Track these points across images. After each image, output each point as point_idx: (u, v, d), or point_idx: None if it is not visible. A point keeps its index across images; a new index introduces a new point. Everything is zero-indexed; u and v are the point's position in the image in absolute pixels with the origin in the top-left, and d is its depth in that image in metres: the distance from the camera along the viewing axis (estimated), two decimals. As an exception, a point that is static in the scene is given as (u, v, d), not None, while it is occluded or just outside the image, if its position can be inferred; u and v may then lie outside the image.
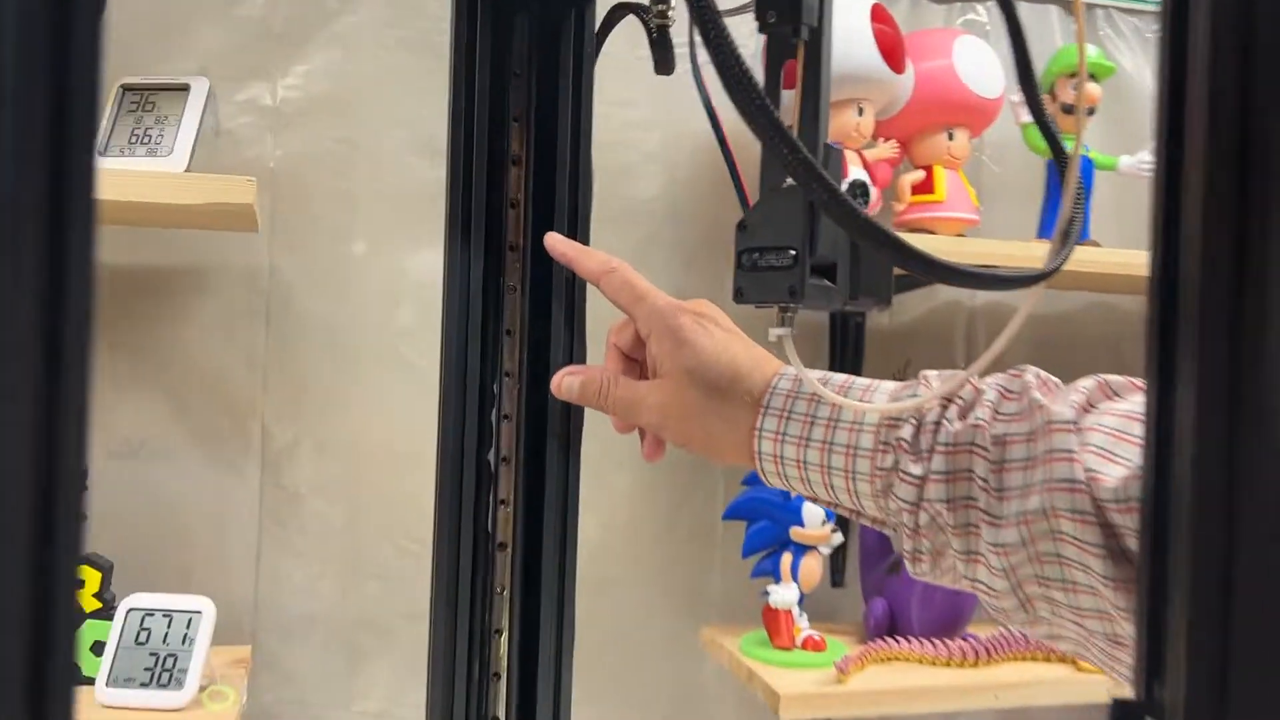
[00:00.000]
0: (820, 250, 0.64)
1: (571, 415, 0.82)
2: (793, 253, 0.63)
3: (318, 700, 1.18)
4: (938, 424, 0.55)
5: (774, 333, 0.66)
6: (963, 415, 0.54)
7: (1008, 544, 0.49)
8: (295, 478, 1.17)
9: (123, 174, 0.85)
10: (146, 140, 0.89)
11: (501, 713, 0.83)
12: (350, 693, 1.18)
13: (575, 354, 0.83)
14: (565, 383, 0.68)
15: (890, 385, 0.60)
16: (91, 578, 0.95)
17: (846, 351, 1.31)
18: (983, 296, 1.40)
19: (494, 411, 0.83)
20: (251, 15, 1.14)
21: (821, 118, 0.67)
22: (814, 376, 0.59)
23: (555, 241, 0.70)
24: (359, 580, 1.18)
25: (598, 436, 1.30)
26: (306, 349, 1.17)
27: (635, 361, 0.68)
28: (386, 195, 1.18)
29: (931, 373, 0.58)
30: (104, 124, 0.91)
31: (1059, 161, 0.59)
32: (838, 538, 1.18)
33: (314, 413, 1.17)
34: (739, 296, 0.66)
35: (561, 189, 0.81)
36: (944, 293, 1.37)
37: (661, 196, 1.27)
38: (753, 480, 1.20)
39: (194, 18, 1.12)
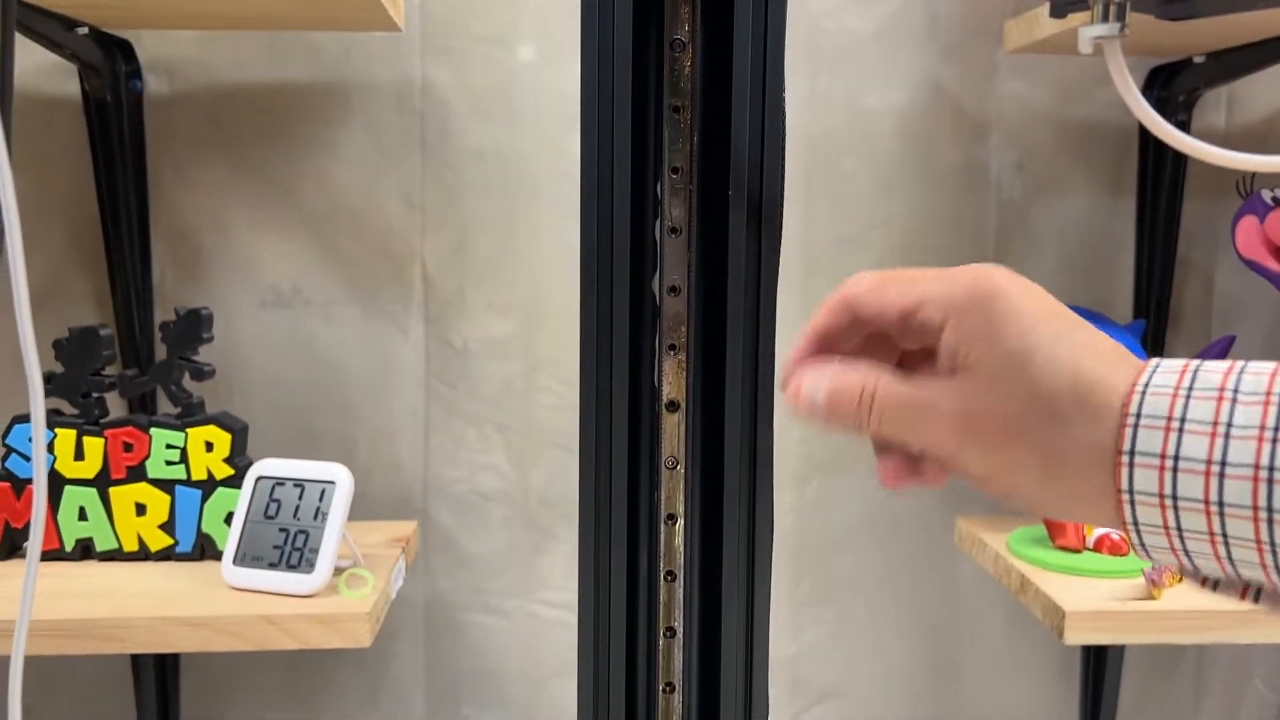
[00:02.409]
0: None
1: (764, 216, 0.58)
2: (1127, -118, 0.36)
3: (497, 587, 1.02)
4: None
5: (1089, 34, 0.39)
6: None
7: None
8: (464, 332, 1.00)
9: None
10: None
11: (679, 624, 0.62)
12: (532, 579, 1.02)
13: (769, 136, 0.58)
14: (806, 389, 0.40)
15: None
16: (220, 440, 0.82)
17: (1163, 162, 0.97)
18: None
19: (657, 224, 0.61)
20: None
21: None
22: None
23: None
24: (539, 450, 1.01)
25: (822, 267, 1.04)
26: (469, 182, 0.98)
27: (895, 355, 0.42)
28: (558, -14, 0.96)
29: None
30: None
31: None
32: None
33: (482, 257, 0.99)
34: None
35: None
36: (1309, 77, 1.00)
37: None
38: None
39: None
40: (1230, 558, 0.32)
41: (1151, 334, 0.97)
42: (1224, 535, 0.31)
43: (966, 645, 1.06)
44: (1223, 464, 0.31)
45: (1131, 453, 0.32)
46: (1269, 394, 0.31)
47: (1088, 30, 0.37)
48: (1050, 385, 0.34)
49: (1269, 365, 0.31)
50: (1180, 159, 1.00)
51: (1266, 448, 0.30)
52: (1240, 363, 0.32)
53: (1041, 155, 1.00)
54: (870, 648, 1.06)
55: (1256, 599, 0.33)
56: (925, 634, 1.06)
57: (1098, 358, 0.34)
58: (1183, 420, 0.32)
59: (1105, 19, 0.37)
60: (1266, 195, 0.86)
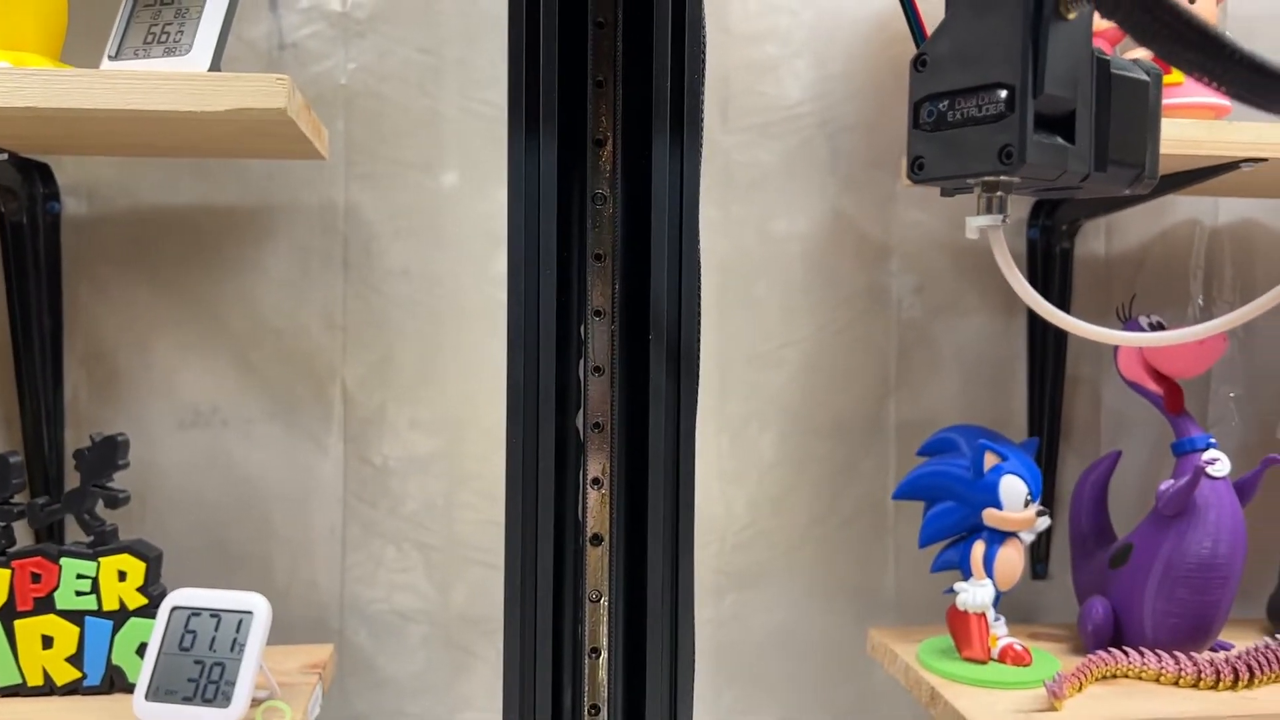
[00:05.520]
0: (1050, 87, 0.40)
1: (683, 356, 0.61)
2: (1004, 93, 0.40)
3: (416, 709, 1.01)
4: None
5: (975, 223, 0.43)
6: None
7: None
8: (385, 450, 1.00)
9: (131, 77, 0.69)
10: (164, 38, 0.73)
11: (603, 757, 0.63)
12: (453, 700, 1.02)
13: (685, 283, 0.61)
14: None
15: None
16: (134, 569, 0.81)
17: (1050, 286, 1.04)
18: (1226, 213, 1.10)
19: (580, 363, 0.63)
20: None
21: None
22: None
23: None
24: (461, 566, 1.01)
25: (735, 385, 1.07)
26: (393, 301, 0.99)
27: None
28: (481, 115, 0.99)
29: None
30: (117, 24, 0.75)
31: None
32: (1044, 521, 0.93)
33: (403, 376, 1.00)
34: (918, 170, 0.43)
35: (662, 62, 0.60)
36: (1177, 209, 1.08)
37: (812, 99, 1.03)
38: (932, 449, 0.96)
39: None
40: None
41: (1045, 449, 1.03)
42: None
43: (882, 753, 1.08)
44: None
45: None
46: None
47: (973, 220, 0.41)
48: None
49: None
50: (1066, 279, 1.07)
51: None
52: None
53: (939, 278, 1.06)
54: (789, 758, 1.07)
55: None
56: (842, 744, 1.07)
57: None
58: None
59: (989, 210, 0.41)
60: (1144, 321, 0.92)
